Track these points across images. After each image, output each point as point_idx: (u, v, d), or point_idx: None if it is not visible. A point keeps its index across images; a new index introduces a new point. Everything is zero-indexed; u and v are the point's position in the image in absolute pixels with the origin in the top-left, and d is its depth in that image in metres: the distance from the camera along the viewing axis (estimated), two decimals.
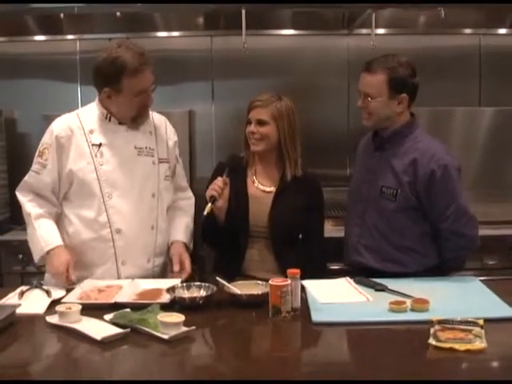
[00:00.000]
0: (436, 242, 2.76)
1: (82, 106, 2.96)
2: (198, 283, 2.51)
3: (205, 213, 2.70)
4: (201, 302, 2.38)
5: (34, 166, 2.73)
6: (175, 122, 3.07)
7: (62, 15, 4.22)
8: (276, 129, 2.82)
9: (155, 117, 2.89)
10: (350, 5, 3.75)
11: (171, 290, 2.44)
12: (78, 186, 2.71)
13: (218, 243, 2.98)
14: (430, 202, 2.69)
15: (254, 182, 2.92)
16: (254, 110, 2.83)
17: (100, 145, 2.71)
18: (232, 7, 3.82)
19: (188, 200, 3.02)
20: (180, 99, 4.39)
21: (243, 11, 3.76)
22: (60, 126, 2.73)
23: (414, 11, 4.33)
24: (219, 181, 2.75)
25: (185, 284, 2.51)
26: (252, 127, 2.83)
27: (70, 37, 4.45)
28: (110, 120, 2.75)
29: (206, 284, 2.49)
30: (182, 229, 2.91)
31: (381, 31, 4.35)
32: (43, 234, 2.68)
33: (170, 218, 2.91)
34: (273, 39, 4.49)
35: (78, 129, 2.72)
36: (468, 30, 4.49)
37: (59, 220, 2.78)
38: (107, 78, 2.62)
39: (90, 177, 2.69)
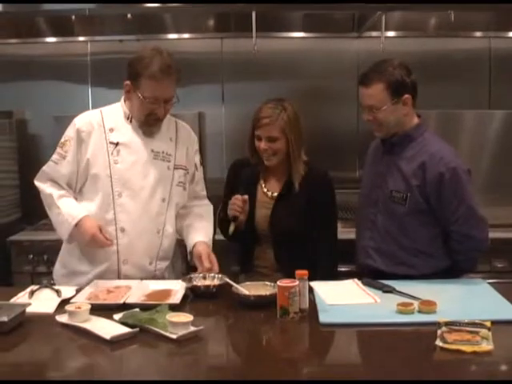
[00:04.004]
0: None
1: (92, 107, 2.99)
2: (212, 274, 2.63)
3: (230, 233, 2.82)
4: (214, 290, 2.51)
5: (54, 156, 2.78)
6: None
7: (73, 17, 4.25)
8: (286, 141, 2.81)
9: (179, 124, 2.93)
10: (359, 5, 3.73)
11: (187, 279, 2.57)
12: (91, 181, 2.76)
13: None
14: (440, 205, 2.69)
15: (262, 188, 2.95)
16: (263, 127, 2.80)
17: (117, 144, 2.75)
18: (243, 9, 3.83)
19: (206, 206, 3.02)
20: (190, 101, 4.33)
21: (253, 13, 3.77)
22: (82, 120, 2.79)
23: (424, 14, 4.33)
24: (239, 200, 2.80)
25: (201, 275, 2.63)
26: (263, 144, 2.81)
27: (81, 38, 4.47)
28: (131, 121, 2.79)
29: (220, 275, 2.61)
30: (204, 231, 2.90)
31: (391, 34, 4.33)
32: (68, 211, 2.72)
33: (188, 223, 2.92)
34: (283, 41, 4.49)
35: (99, 126, 2.77)
36: (478, 33, 4.48)
37: None
38: (131, 72, 2.69)
39: (103, 173, 2.73)
